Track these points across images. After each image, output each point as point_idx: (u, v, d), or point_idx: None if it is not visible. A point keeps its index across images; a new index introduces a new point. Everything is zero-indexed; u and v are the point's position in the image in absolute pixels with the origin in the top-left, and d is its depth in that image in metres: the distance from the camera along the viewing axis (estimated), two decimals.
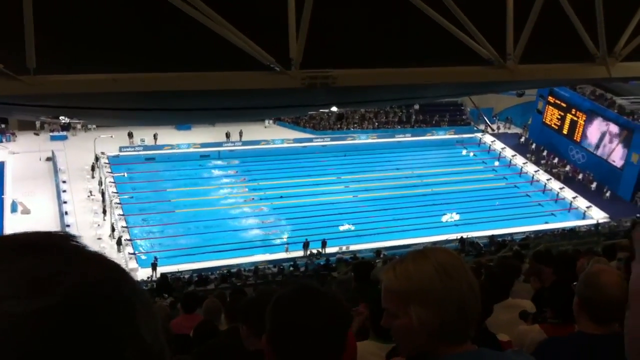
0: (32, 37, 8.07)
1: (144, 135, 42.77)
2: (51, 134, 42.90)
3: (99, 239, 32.76)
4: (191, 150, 43.56)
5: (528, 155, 46.74)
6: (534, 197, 42.40)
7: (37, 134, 43.12)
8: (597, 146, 42.89)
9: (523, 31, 10.73)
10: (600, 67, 11.70)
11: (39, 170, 39.33)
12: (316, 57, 9.89)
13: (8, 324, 0.63)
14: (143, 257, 32.41)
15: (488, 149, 48.73)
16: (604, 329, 3.13)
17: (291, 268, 29.62)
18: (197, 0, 8.61)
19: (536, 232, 35.03)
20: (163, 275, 27.09)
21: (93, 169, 39.74)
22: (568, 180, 43.33)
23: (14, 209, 34.69)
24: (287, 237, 35.16)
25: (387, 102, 34.91)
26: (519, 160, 46.34)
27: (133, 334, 0.70)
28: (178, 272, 28.98)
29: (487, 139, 49.80)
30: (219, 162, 43.43)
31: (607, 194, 40.90)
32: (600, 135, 42.81)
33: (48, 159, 40.50)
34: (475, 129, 51.25)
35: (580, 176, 43.36)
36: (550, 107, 46.95)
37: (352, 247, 33.22)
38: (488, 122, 51.25)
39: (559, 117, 46.20)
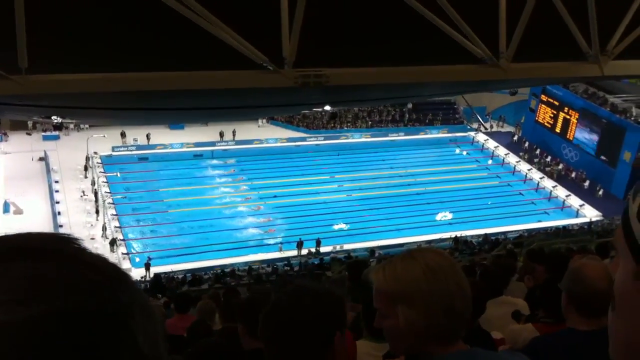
0: (24, 37, 8.04)
1: (136, 134, 42.65)
2: (43, 133, 42.72)
3: (92, 239, 32.65)
4: (184, 149, 43.47)
5: (521, 154, 46.83)
6: (527, 196, 42.49)
7: (29, 134, 42.95)
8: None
9: (516, 30, 10.76)
10: (593, 66, 11.74)
11: (31, 170, 39.17)
12: (309, 56, 9.89)
13: (5, 330, 0.61)
14: (137, 257, 32.30)
15: (481, 148, 48.81)
16: (593, 324, 3.13)
17: (287, 267, 29.60)
18: (190, 0, 8.60)
19: (529, 231, 35.11)
20: (156, 275, 27.06)
21: (86, 169, 39.61)
22: (561, 179, 43.44)
23: (6, 209, 34.55)
24: (281, 237, 35.13)
25: (380, 101, 34.96)
26: (512, 158, 46.44)
27: (128, 345, 0.68)
28: (172, 272, 28.92)
29: (480, 137, 49.88)
30: (212, 162, 43.35)
31: (600, 192, 41.03)
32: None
33: (40, 159, 40.35)
34: (468, 127, 51.33)
35: (573, 174, 43.49)
36: (543, 105, 47.07)
37: (346, 246, 33.21)
38: (481, 120, 51.35)
39: (552, 115, 46.32)
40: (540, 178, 43.67)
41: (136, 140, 43.09)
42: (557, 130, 45.82)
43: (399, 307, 1.92)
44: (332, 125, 48.21)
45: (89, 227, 34.00)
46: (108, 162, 41.12)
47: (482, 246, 30.88)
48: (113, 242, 32.49)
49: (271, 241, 34.91)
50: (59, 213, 34.78)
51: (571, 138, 44.63)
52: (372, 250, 30.37)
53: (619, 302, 0.87)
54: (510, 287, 6.41)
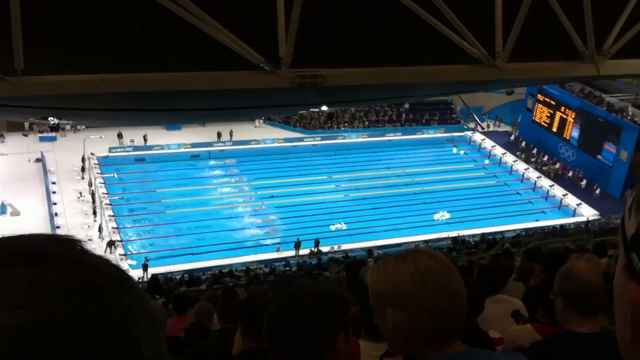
0: (20, 39, 8.03)
1: (133, 135, 42.59)
2: (40, 135, 42.63)
3: (89, 240, 32.59)
4: (181, 150, 43.43)
5: (518, 153, 46.89)
6: (524, 195, 42.54)
7: (25, 135, 42.86)
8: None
9: (512, 30, 10.77)
10: (589, 65, 11.76)
11: (28, 171, 39.10)
12: (306, 57, 9.90)
13: (4, 336, 0.61)
14: (134, 258, 32.27)
15: (478, 147, 48.85)
16: (592, 324, 3.15)
17: (287, 268, 29.58)
18: (186, 1, 8.59)
19: (527, 230, 35.14)
20: (153, 276, 27.01)
21: (83, 170, 39.56)
22: (558, 178, 43.50)
23: (3, 210, 34.49)
24: (279, 237, 35.12)
25: (377, 101, 34.97)
26: (509, 158, 46.49)
27: (130, 349, 0.67)
28: (169, 273, 28.90)
29: (477, 137, 49.92)
30: (209, 162, 43.32)
31: (597, 192, 41.09)
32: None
33: (37, 160, 40.28)
34: (465, 127, 51.36)
35: (570, 174, 43.54)
36: (539, 105, 47.13)
37: (344, 247, 33.22)
38: (478, 120, 51.40)
39: (549, 115, 46.38)
40: (537, 177, 43.72)
41: (133, 141, 43.04)
42: (554, 129, 45.88)
43: (389, 308, 1.94)
44: (329, 125, 48.21)
45: (87, 229, 33.96)
46: (105, 163, 41.06)
47: (480, 246, 30.89)
48: (111, 244, 32.45)
49: (269, 241, 34.89)
50: (56, 214, 34.73)
51: (568, 137, 44.69)
52: (369, 250, 30.37)
53: (615, 296, 0.90)
54: (508, 287, 6.41)
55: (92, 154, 40.75)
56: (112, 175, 39.51)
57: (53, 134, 42.23)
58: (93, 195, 36.79)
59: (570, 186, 42.29)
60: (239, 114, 23.76)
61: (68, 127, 40.90)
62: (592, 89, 43.12)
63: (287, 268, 29.66)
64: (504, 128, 51.49)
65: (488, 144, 48.64)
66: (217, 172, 42.43)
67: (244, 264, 30.87)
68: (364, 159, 45.12)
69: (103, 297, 0.68)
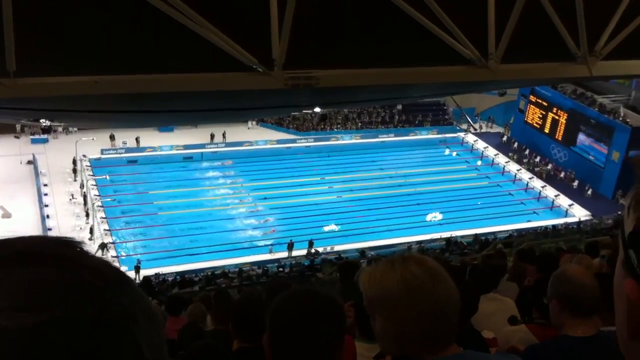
0: (12, 40, 7.99)
1: (125, 137, 42.49)
2: (32, 137, 42.44)
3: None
4: (174, 152, 43.35)
5: (510, 154, 47.03)
6: (516, 196, 42.65)
7: (17, 137, 42.66)
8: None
9: (504, 31, 10.79)
10: (581, 66, 11.80)
11: (19, 173, 38.92)
12: (299, 58, 9.89)
13: (3, 338, 0.60)
14: (126, 260, 32.16)
15: (471, 149, 48.96)
16: (587, 326, 3.16)
17: (280, 269, 29.56)
18: (178, 2, 8.57)
19: (519, 231, 35.24)
20: (146, 278, 26.92)
21: (75, 172, 39.42)
22: (550, 179, 43.65)
23: None
24: (272, 239, 35.10)
25: (369, 102, 34.98)
26: (502, 159, 46.62)
27: (131, 351, 0.67)
28: (162, 274, 28.82)
29: (470, 138, 50.04)
30: (202, 164, 43.25)
31: (589, 192, 41.25)
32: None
33: (29, 162, 40.10)
34: (457, 128, 51.48)
35: (562, 174, 43.69)
36: (531, 106, 47.29)
37: (337, 248, 33.22)
38: (470, 121, 51.51)
39: (541, 116, 46.54)
40: (530, 178, 43.86)
41: (125, 143, 42.92)
42: (546, 130, 46.04)
43: (377, 312, 1.99)
44: (322, 126, 48.22)
45: (78, 231, 33.83)
46: (97, 165, 40.92)
47: (473, 246, 30.96)
48: (103, 246, 32.34)
49: (265, 242, 34.86)
50: (48, 216, 34.59)
51: (560, 138, 44.84)
52: (362, 251, 30.38)
53: (614, 293, 0.90)
54: (501, 287, 6.41)
55: (84, 155, 40.61)
56: (104, 177, 39.37)
57: (45, 136, 42.08)
58: (85, 197, 36.67)
59: (563, 187, 42.44)
60: (232, 115, 23.73)
61: (60, 129, 40.73)
62: (584, 90, 43.29)
63: (280, 269, 29.63)
64: (497, 129, 51.64)
65: (480, 145, 48.76)
66: (210, 173, 42.37)
67: (236, 265, 30.83)
68: (357, 160, 45.16)
69: (103, 298, 0.68)
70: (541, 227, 35.86)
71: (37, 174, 38.64)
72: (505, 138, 49.81)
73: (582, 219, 38.08)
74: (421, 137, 49.96)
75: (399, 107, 50.12)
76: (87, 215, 35.15)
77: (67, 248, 0.71)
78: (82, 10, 8.68)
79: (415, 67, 11.11)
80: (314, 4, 9.82)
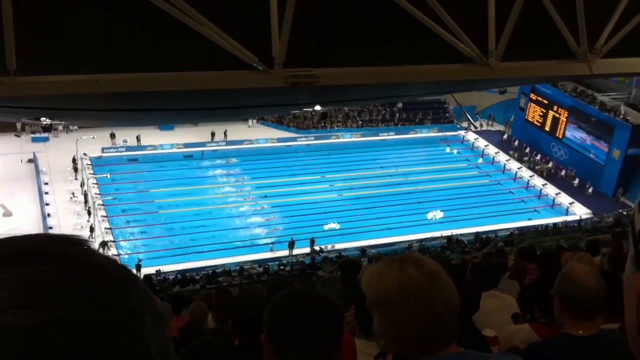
0: (12, 39, 7.99)
1: (126, 136, 42.49)
2: (32, 135, 42.48)
3: None
4: (174, 150, 43.34)
5: (511, 152, 46.99)
6: (517, 194, 42.65)
7: (18, 136, 42.68)
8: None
9: (505, 29, 10.78)
10: (582, 64, 11.79)
11: (20, 172, 38.93)
12: (299, 57, 9.88)
13: (6, 336, 0.60)
14: (127, 259, 32.18)
15: (471, 147, 48.95)
16: (587, 328, 3.15)
17: (281, 267, 29.55)
18: (179, 1, 8.57)
19: (520, 229, 35.22)
20: (147, 276, 26.92)
21: (75, 170, 39.43)
22: (551, 177, 43.62)
23: None
24: (273, 237, 35.11)
25: (369, 101, 35.00)
26: (502, 157, 46.59)
27: (139, 351, 0.66)
28: (162, 273, 28.84)
29: (471, 136, 50.02)
30: (202, 163, 43.25)
31: (590, 190, 41.23)
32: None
33: (29, 160, 40.12)
34: (458, 126, 51.46)
35: (563, 172, 43.67)
36: (532, 104, 47.24)
37: (337, 246, 33.22)
38: (471, 119, 51.48)
39: (541, 114, 46.50)
40: (530, 176, 43.85)
41: (126, 142, 42.93)
42: (547, 128, 46.00)
43: (375, 312, 2.02)
44: (323, 125, 48.20)
45: (79, 229, 33.83)
46: (97, 163, 40.94)
47: (473, 245, 30.95)
48: (103, 244, 32.34)
49: (267, 241, 34.86)
50: (49, 215, 34.60)
51: (560, 136, 44.81)
52: (363, 250, 30.38)
53: (624, 289, 0.90)
54: (502, 286, 6.41)
55: (84, 154, 40.62)
56: (105, 175, 39.38)
57: (45, 135, 42.11)
58: (86, 195, 36.68)
59: (563, 185, 42.42)
60: (232, 113, 23.73)
61: (60, 127, 40.78)
62: (585, 88, 43.24)
63: (281, 267, 29.63)
64: (497, 127, 51.59)
65: (481, 143, 48.74)
66: (211, 172, 42.37)
67: (237, 263, 30.85)
68: (358, 159, 45.15)
69: (109, 297, 0.67)
70: (542, 225, 35.87)
71: (37, 172, 38.66)
72: (505, 136, 49.78)
73: (583, 217, 38.07)
74: (422, 135, 49.94)
75: (400, 105, 50.10)
76: (89, 213, 35.15)
77: (73, 246, 0.71)
78: (83, 9, 8.68)
79: (415, 65, 11.11)
80: (314, 2, 9.81)
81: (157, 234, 34.93)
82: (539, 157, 45.84)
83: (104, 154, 41.83)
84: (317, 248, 32.78)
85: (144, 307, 0.70)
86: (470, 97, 49.22)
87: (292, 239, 33.23)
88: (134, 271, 29.27)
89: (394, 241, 33.62)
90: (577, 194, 41.12)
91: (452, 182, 42.28)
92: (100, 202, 36.44)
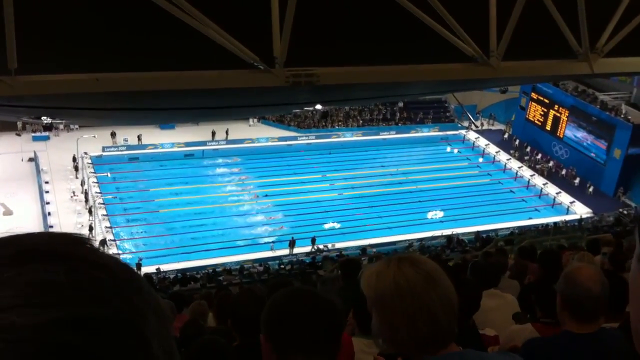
0: (14, 38, 7.99)
1: (127, 135, 42.51)
2: (33, 134, 42.49)
3: None
4: (175, 149, 43.33)
5: (512, 152, 46.97)
6: (518, 193, 42.64)
7: (18, 135, 42.69)
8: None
9: (506, 28, 10.78)
10: (583, 64, 11.79)
11: (21, 171, 38.94)
12: (300, 56, 9.89)
13: (11, 335, 0.60)
14: (127, 258, 32.20)
15: (472, 146, 48.93)
16: (587, 328, 3.14)
17: (281, 266, 29.57)
18: (181, 1, 8.57)
19: (520, 228, 35.22)
20: (147, 275, 26.94)
21: (76, 169, 39.45)
22: (551, 176, 43.60)
23: None
24: (274, 236, 35.11)
25: (371, 100, 34.98)
26: (503, 156, 46.57)
27: (142, 351, 0.66)
28: (163, 271, 28.86)
29: (471, 135, 50.00)
30: (203, 162, 43.25)
31: (590, 190, 41.21)
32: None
33: (30, 159, 40.13)
34: (459, 125, 51.43)
35: (564, 172, 43.64)
36: (533, 103, 47.20)
37: (338, 245, 33.22)
38: (472, 119, 51.47)
39: (542, 113, 46.47)
40: (531, 175, 43.82)
41: (126, 141, 42.94)
42: (548, 128, 45.97)
43: (373, 311, 2.03)
44: (323, 124, 48.19)
45: (80, 228, 33.85)
46: (98, 162, 40.95)
47: (474, 244, 30.95)
48: (103, 243, 32.36)
49: (263, 240, 34.87)
50: (49, 214, 34.62)
51: (561, 135, 44.79)
52: (364, 249, 30.39)
53: (630, 286, 0.90)
54: (502, 285, 6.41)
55: (85, 153, 40.63)
56: (106, 174, 39.39)
57: (46, 134, 42.11)
58: (86, 194, 36.69)
59: (564, 184, 42.40)
60: (233, 113, 23.73)
61: (61, 126, 40.79)
62: (586, 87, 43.21)
63: (281, 266, 29.64)
64: (498, 126, 51.56)
65: (482, 142, 48.73)
66: (211, 171, 42.37)
67: (237, 262, 30.85)
68: (358, 158, 45.13)
69: (113, 296, 0.67)
70: (542, 224, 35.87)
71: (38, 171, 38.68)
72: (506, 135, 49.75)
73: (584, 216, 38.06)
74: (422, 135, 49.92)
75: (401, 104, 50.09)
76: (90, 212, 35.15)
77: (77, 245, 0.71)
78: (84, 9, 8.68)
79: (416, 65, 11.11)
80: (315, 2, 9.81)
81: (157, 233, 34.93)
82: (539, 156, 45.81)
83: (104, 153, 41.84)
84: (321, 246, 32.78)
85: (148, 306, 0.70)
86: (471, 97, 49.20)
87: (292, 237, 33.24)
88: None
89: (395, 240, 33.62)
90: (578, 194, 41.11)
91: (452, 181, 42.27)
92: (100, 201, 36.46)
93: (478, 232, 33.58)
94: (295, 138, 47.11)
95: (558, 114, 44.98)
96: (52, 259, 0.67)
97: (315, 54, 10.23)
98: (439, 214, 38.17)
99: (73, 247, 0.70)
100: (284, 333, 2.05)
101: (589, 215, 38.48)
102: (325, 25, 10.13)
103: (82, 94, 9.57)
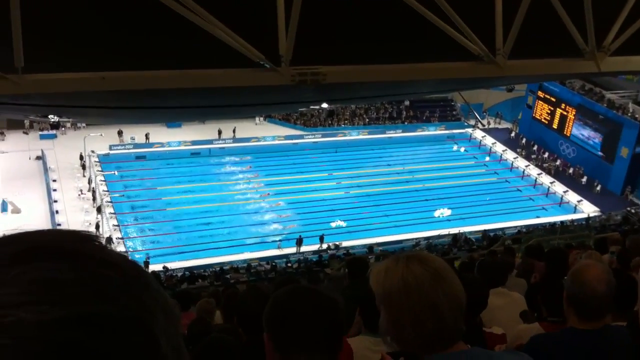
0: (20, 36, 8.02)
1: (134, 133, 42.65)
2: (40, 132, 42.66)
3: None
4: (182, 148, 43.42)
5: (518, 150, 46.86)
6: (525, 192, 42.54)
7: (26, 133, 42.88)
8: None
9: (512, 26, 10.75)
10: (590, 62, 11.74)
11: (28, 169, 39.11)
12: (306, 54, 9.88)
13: (19, 332, 0.60)
14: (135, 256, 32.29)
15: (479, 144, 48.84)
16: (592, 326, 3.13)
17: (288, 264, 29.59)
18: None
19: (527, 227, 35.13)
20: (154, 273, 26.98)
21: (83, 167, 39.58)
22: (558, 175, 43.48)
23: (4, 208, 34.50)
24: (281, 234, 35.13)
25: (377, 99, 34.96)
26: (510, 155, 46.46)
27: (151, 348, 0.66)
28: (169, 270, 28.91)
29: (478, 134, 49.90)
30: (210, 160, 43.31)
31: (598, 188, 41.08)
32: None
33: (38, 157, 40.29)
34: (465, 124, 51.35)
35: (571, 170, 43.52)
36: (539, 102, 47.07)
37: (344, 244, 33.23)
38: (478, 117, 51.36)
39: (549, 111, 46.34)
40: (538, 174, 43.71)
41: (133, 139, 43.07)
42: (554, 126, 45.84)
43: (381, 308, 2.04)
44: (330, 122, 48.18)
45: (87, 226, 33.96)
46: (105, 160, 41.09)
47: (481, 243, 30.89)
48: (109, 241, 32.43)
49: (269, 239, 34.90)
50: (57, 212, 34.76)
51: (568, 134, 44.66)
52: (370, 247, 30.38)
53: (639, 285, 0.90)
54: (509, 283, 6.40)
55: (92, 151, 40.76)
56: (113, 172, 39.51)
57: (53, 132, 42.23)
58: (94, 192, 36.80)
59: (571, 183, 42.27)
60: (239, 111, 23.76)
61: (68, 124, 40.93)
62: (593, 86, 43.05)
63: (288, 265, 29.67)
64: (505, 125, 51.44)
65: (488, 141, 48.62)
66: (218, 169, 42.42)
67: (245, 260, 30.89)
68: (365, 156, 45.11)
69: (122, 293, 0.67)
70: (550, 223, 35.77)
71: (45, 169, 38.82)
72: (513, 134, 49.64)
73: (591, 215, 37.92)
74: (429, 133, 49.85)
75: (407, 103, 50.03)
76: (99, 210, 35.24)
77: (85, 243, 0.71)
78: (91, 8, 8.70)
79: (422, 63, 11.09)
80: (321, 0, 9.81)
81: (165, 231, 35.02)
82: (546, 154, 45.69)
83: (111, 152, 41.97)
84: (331, 244, 32.80)
85: (156, 303, 0.70)
86: (477, 95, 49.11)
87: (300, 236, 33.27)
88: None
89: (401, 239, 33.58)
90: (585, 192, 40.97)
91: (459, 179, 42.20)
92: (108, 199, 36.56)
93: (485, 231, 33.51)
94: (301, 137, 47.12)
95: (565, 113, 44.85)
96: (60, 257, 0.67)
97: (321, 52, 10.22)
98: (446, 213, 38.12)
99: (81, 244, 0.70)
100: (286, 332, 2.05)
101: (596, 213, 38.34)
102: (331, 24, 10.13)
103: (88, 92, 9.59)
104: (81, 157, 39.86)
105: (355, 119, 49.59)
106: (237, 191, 39.98)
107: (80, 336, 0.62)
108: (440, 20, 10.16)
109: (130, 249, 33.14)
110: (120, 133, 42.51)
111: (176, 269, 29.37)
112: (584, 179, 42.17)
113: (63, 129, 42.41)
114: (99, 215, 34.77)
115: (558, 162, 44.74)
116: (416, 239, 33.48)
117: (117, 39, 9.02)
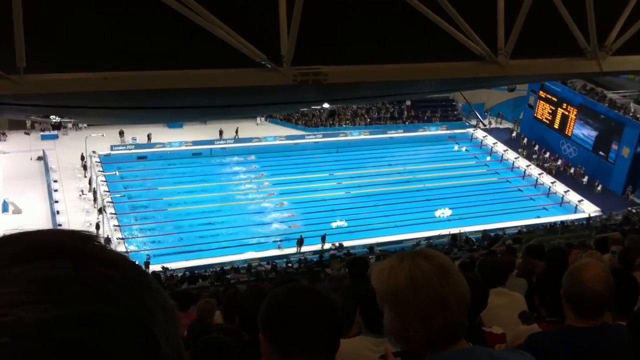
0: (22, 36, 8.03)
1: (135, 133, 42.66)
2: (42, 133, 42.67)
3: None
4: (183, 148, 43.41)
5: (520, 150, 46.83)
6: (525, 192, 42.51)
7: (27, 133, 42.89)
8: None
9: (514, 26, 10.75)
10: (591, 62, 11.74)
11: (29, 169, 39.13)
12: (308, 54, 9.88)
13: (19, 331, 0.60)
14: (135, 256, 32.28)
15: (480, 144, 48.81)
16: (590, 323, 3.13)
17: (289, 264, 29.59)
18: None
19: (528, 227, 35.10)
20: (155, 274, 26.99)
21: (85, 168, 39.60)
22: (559, 175, 43.45)
23: (5, 208, 34.52)
24: (281, 235, 35.12)
25: (377, 99, 34.95)
26: (511, 155, 46.44)
27: (150, 348, 0.67)
28: (170, 270, 28.92)
29: (479, 134, 49.88)
30: (211, 160, 43.31)
31: (599, 188, 41.05)
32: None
33: (39, 158, 40.31)
34: (467, 124, 51.33)
35: (572, 170, 43.49)
36: (541, 101, 47.05)
37: (345, 244, 33.23)
38: (480, 117, 51.33)
39: (550, 111, 46.31)
40: (539, 174, 43.68)
41: (135, 139, 43.08)
42: (556, 126, 45.81)
43: (385, 307, 2.02)
44: (331, 122, 48.15)
45: (88, 226, 33.96)
46: (107, 161, 41.09)
47: (481, 242, 30.88)
48: (107, 241, 32.44)
49: (270, 239, 34.89)
50: (58, 212, 34.77)
51: (569, 134, 44.63)
52: (371, 247, 30.38)
53: None
54: (509, 283, 6.40)
55: (93, 152, 40.76)
56: (114, 173, 39.51)
57: (55, 132, 42.25)
58: (95, 193, 36.81)
59: (572, 183, 42.24)
60: (241, 111, 23.76)
61: (70, 125, 40.89)
62: (594, 86, 43.01)
63: (289, 265, 29.68)
64: (506, 125, 51.42)
65: (490, 140, 48.60)
66: (219, 170, 42.42)
67: (245, 261, 30.89)
68: (366, 156, 45.10)
69: (122, 293, 0.67)
70: (550, 223, 35.75)
71: (47, 170, 38.84)
72: (514, 134, 49.62)
73: (592, 214, 37.89)
74: (430, 133, 49.83)
75: (408, 103, 50.02)
76: (100, 211, 35.25)
77: (86, 242, 0.71)
78: (91, 8, 8.71)
79: (424, 63, 11.09)
80: (322, 0, 9.81)
81: (165, 231, 35.03)
82: (547, 154, 45.67)
83: (112, 152, 41.97)
84: (336, 244, 32.80)
85: (156, 303, 0.70)
86: (478, 95, 49.09)
87: (301, 236, 33.26)
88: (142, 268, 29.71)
89: (402, 239, 33.56)
90: (586, 192, 40.95)
91: (460, 179, 42.18)
92: (109, 199, 36.57)
93: (485, 231, 33.49)
94: (302, 137, 47.10)
95: (566, 113, 44.82)
96: (60, 256, 0.68)
97: (323, 52, 10.22)
98: (447, 213, 38.10)
99: (81, 244, 0.71)
100: (286, 332, 2.04)
101: (597, 213, 38.31)
102: (333, 24, 10.13)
103: (89, 92, 9.60)
104: (82, 158, 39.86)
105: (357, 119, 49.58)
106: (239, 191, 39.97)
107: (81, 335, 0.62)
108: (442, 20, 10.16)
109: (131, 249, 33.14)
110: (121, 133, 42.52)
111: (177, 269, 29.37)
112: (585, 179, 42.14)
113: (64, 129, 42.35)
114: (100, 216, 34.78)
115: (559, 162, 44.72)
116: (417, 239, 33.45)
117: (118, 38, 9.03)
